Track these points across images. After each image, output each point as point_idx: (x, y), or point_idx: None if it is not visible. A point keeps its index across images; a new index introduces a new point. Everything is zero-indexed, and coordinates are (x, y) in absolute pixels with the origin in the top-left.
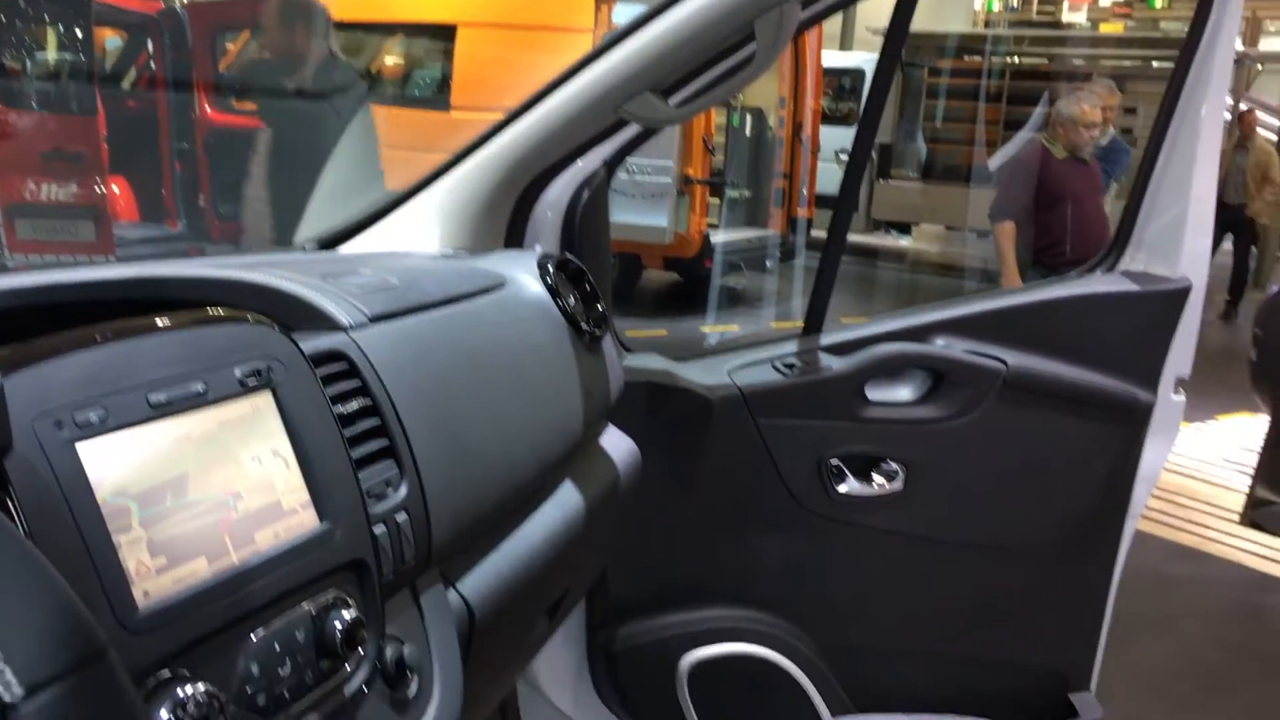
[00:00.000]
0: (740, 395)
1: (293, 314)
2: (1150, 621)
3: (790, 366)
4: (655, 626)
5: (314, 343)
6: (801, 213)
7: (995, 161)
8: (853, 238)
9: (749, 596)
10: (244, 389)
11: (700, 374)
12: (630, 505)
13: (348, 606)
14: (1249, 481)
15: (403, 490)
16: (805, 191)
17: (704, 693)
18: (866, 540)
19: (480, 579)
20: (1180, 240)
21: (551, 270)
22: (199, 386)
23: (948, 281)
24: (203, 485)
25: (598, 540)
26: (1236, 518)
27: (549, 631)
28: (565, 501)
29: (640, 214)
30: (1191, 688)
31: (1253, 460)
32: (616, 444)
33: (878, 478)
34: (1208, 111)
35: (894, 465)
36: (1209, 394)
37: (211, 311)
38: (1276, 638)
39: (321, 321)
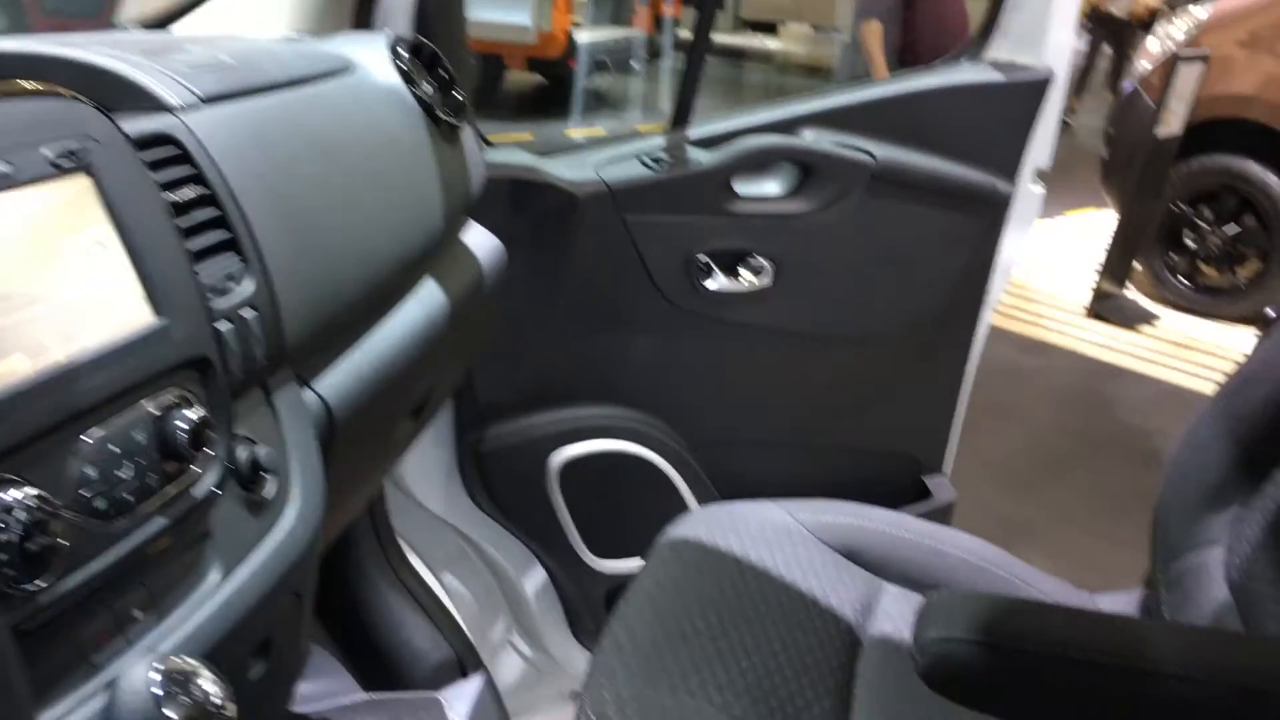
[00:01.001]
0: (608, 190)
1: (111, 93)
2: (1001, 410)
3: (658, 161)
4: (525, 426)
5: (137, 124)
6: (668, 10)
7: None
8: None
9: (618, 394)
10: (57, 170)
11: (566, 169)
12: (496, 303)
13: (191, 406)
14: (1095, 276)
15: (248, 284)
16: None
17: (574, 489)
18: (734, 335)
19: (338, 378)
20: (1045, 30)
21: (404, 54)
22: (3, 167)
23: (815, 83)
24: (16, 276)
25: (463, 339)
26: (1083, 311)
27: (414, 433)
28: (427, 299)
29: (501, 10)
30: (1037, 470)
31: (1099, 255)
32: (480, 241)
33: (745, 273)
34: None
35: (762, 260)
36: (1060, 190)
37: (15, 85)
38: (1114, 422)
39: (145, 101)
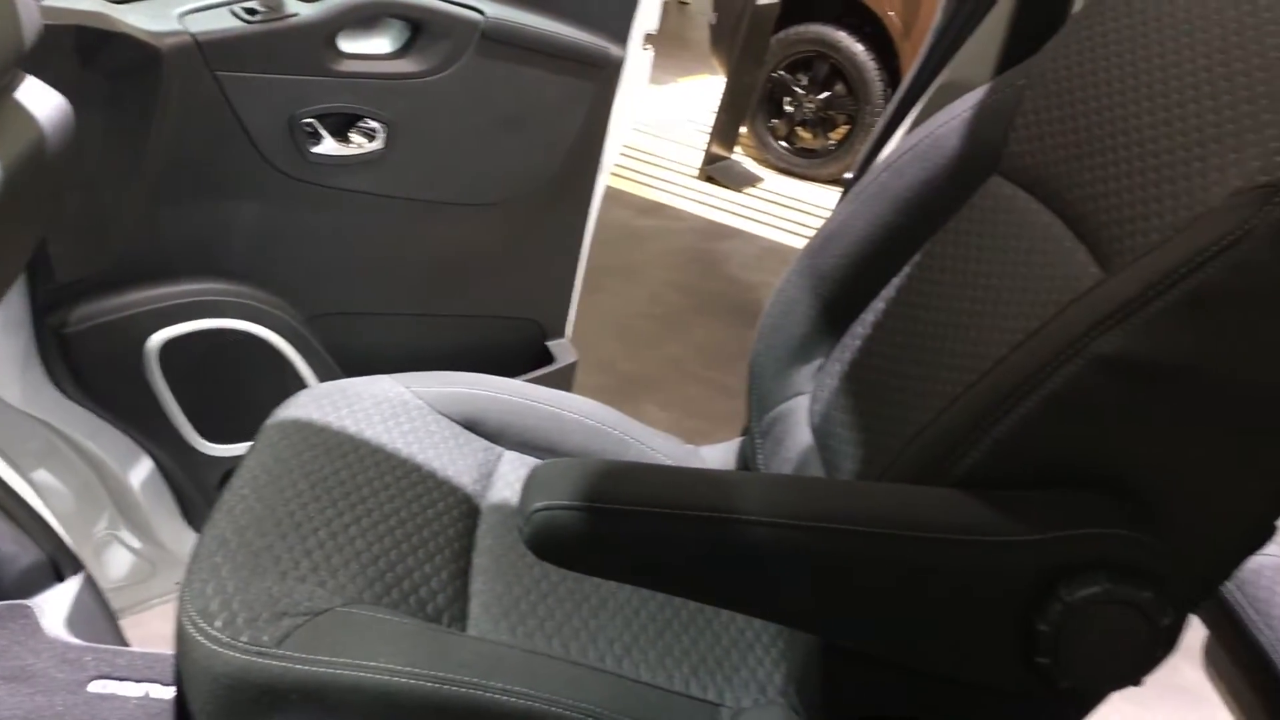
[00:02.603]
0: (195, 44)
1: None
2: (619, 270)
3: (252, 13)
4: (116, 305)
5: None
6: None
7: None
8: None
9: (222, 269)
10: None
11: (144, 19)
12: (63, 168)
13: None
14: (705, 140)
15: None
16: None
17: (179, 372)
18: (346, 203)
19: None
20: None
21: None
22: None
23: None
24: None
25: (25, 209)
26: (695, 173)
27: None
28: None
29: None
30: (654, 326)
31: (709, 120)
32: (38, 98)
33: (356, 137)
34: None
35: (372, 124)
36: (675, 57)
37: None
38: (724, 279)
39: None
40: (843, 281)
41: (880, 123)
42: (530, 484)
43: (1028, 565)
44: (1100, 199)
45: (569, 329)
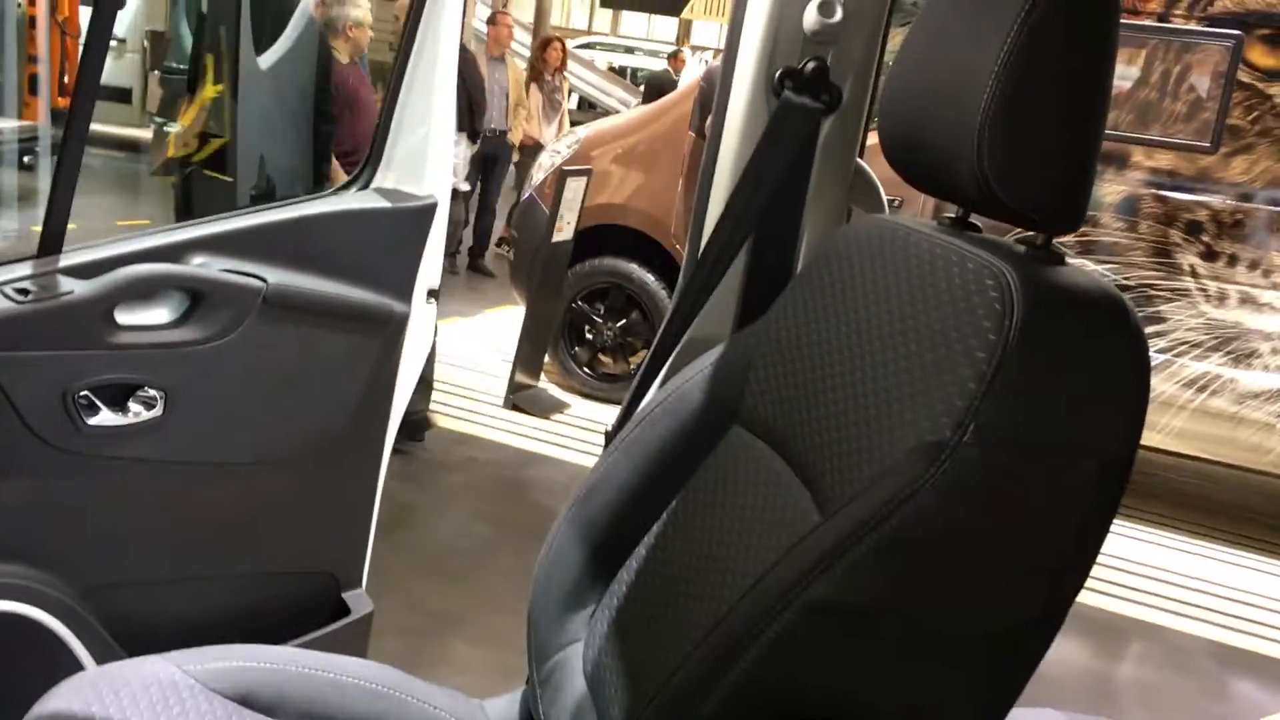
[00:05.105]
0: None
1: None
2: (427, 505)
3: (24, 293)
4: None
5: None
6: (63, 102)
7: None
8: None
9: None
10: None
11: None
12: None
13: None
14: (509, 370)
15: None
16: (67, 79)
17: None
18: (125, 472)
19: None
20: (425, 159)
21: None
22: None
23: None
24: None
25: None
26: (502, 402)
27: None
28: None
29: None
30: (463, 560)
31: (514, 349)
32: None
33: (134, 406)
34: (445, 35)
35: (152, 392)
36: (482, 289)
37: None
38: (532, 506)
39: None
40: (608, 529)
41: (636, 377)
42: None
43: None
44: (818, 448)
45: (364, 579)
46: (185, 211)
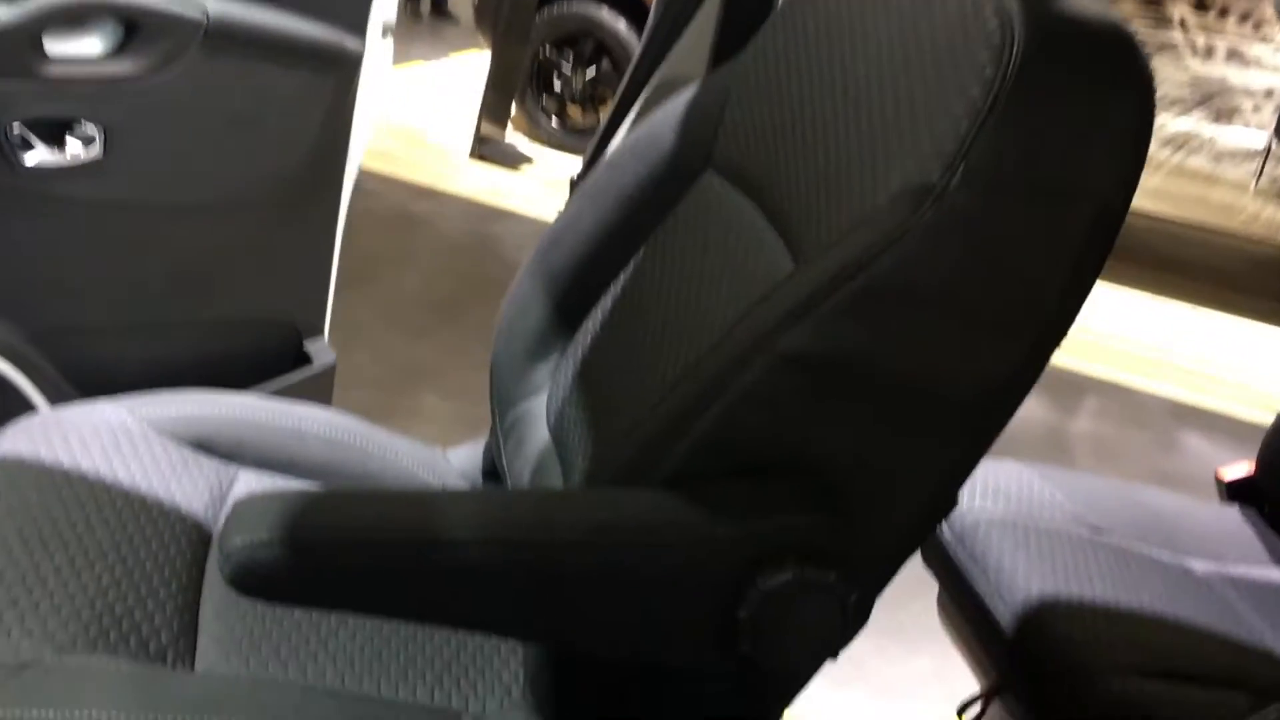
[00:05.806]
0: None
1: None
2: (393, 258)
3: None
4: None
5: None
6: None
7: None
8: None
9: None
10: None
11: None
12: None
13: None
14: (476, 121)
15: None
16: None
17: None
18: (69, 213)
19: None
20: None
21: None
22: None
23: None
24: None
25: None
26: (467, 154)
27: None
28: None
29: None
30: (428, 315)
31: (479, 97)
32: None
33: (72, 142)
34: None
35: (90, 128)
36: (446, 32)
37: None
38: (498, 261)
39: None
40: (573, 279)
41: (603, 121)
42: (229, 522)
43: (728, 558)
44: (794, 195)
45: (326, 328)
46: None
